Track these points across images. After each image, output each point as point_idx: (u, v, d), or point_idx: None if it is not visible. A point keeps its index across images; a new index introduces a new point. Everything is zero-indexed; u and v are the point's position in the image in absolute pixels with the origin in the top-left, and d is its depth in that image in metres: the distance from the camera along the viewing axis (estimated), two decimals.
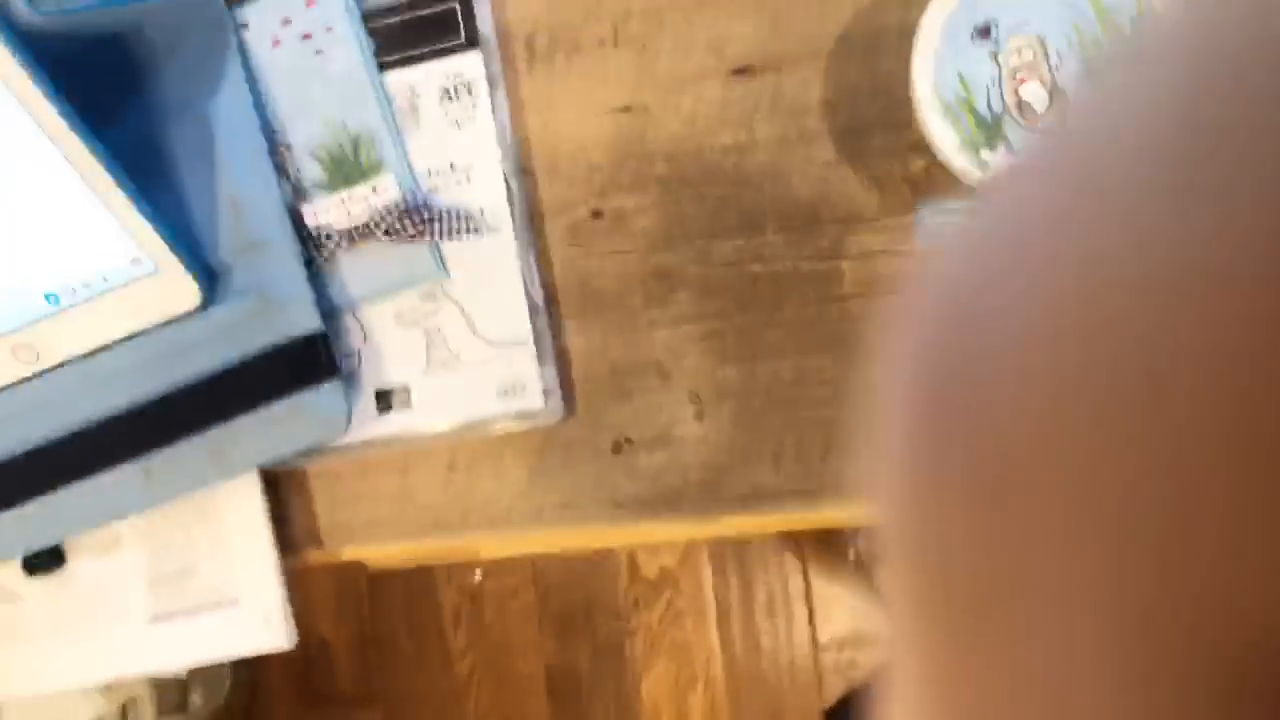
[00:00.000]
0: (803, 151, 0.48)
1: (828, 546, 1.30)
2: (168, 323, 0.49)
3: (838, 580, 1.30)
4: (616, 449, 0.50)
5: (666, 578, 1.35)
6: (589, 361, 0.50)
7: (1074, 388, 0.10)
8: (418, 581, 1.43)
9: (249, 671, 1.36)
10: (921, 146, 0.45)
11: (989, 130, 0.40)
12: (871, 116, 0.47)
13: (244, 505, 0.50)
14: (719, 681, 1.33)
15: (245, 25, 0.51)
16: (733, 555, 1.33)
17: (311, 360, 0.48)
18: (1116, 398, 0.10)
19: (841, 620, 1.30)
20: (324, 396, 0.48)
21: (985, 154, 0.40)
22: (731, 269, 0.48)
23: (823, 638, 1.31)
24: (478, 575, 1.40)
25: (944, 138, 0.41)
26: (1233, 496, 0.09)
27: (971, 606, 0.11)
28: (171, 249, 0.47)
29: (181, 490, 0.50)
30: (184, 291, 0.49)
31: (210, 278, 0.50)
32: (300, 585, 0.52)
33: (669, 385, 0.49)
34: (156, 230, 0.47)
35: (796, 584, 1.32)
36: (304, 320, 0.48)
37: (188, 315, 0.49)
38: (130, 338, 0.50)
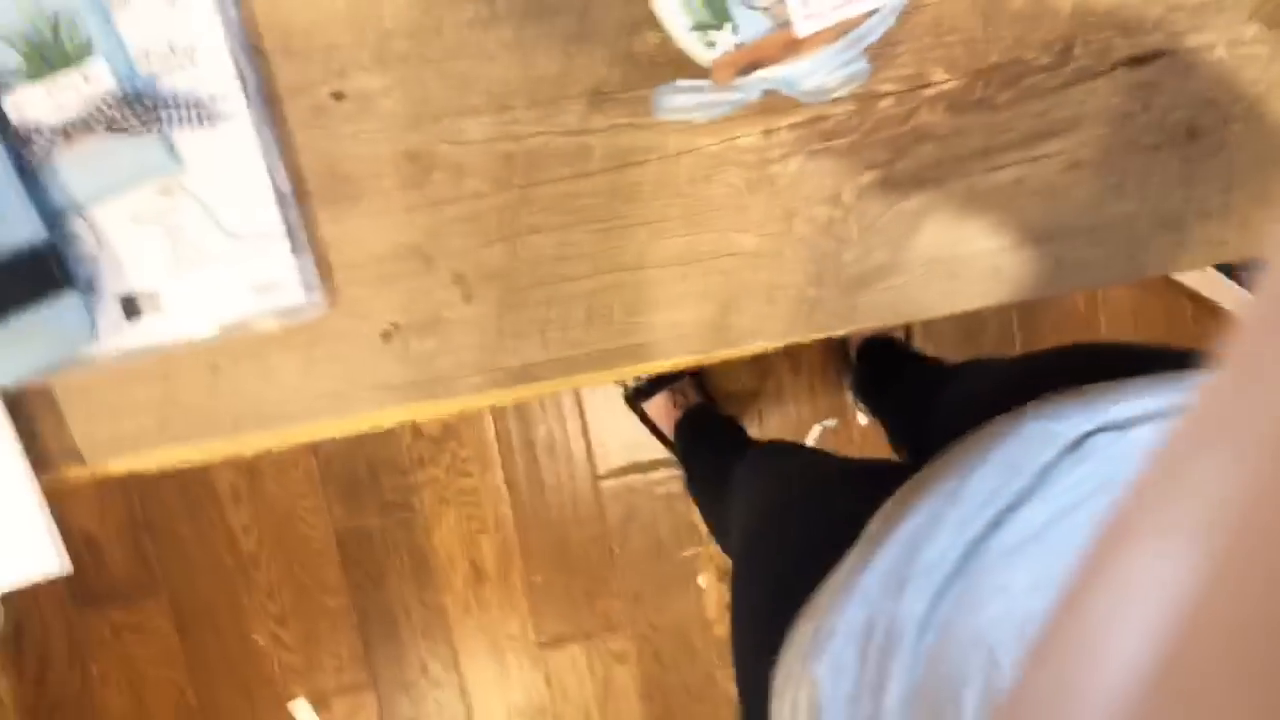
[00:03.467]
0: (546, 25, 0.48)
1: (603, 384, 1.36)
2: None
3: (612, 414, 1.38)
4: (386, 337, 0.50)
5: (449, 431, 1.37)
6: (347, 250, 0.50)
7: None
8: None
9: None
10: (655, 22, 0.47)
11: (715, 10, 0.42)
12: None
13: None
14: (508, 522, 1.40)
15: None
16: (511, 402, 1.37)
17: (42, 272, 0.45)
18: None
19: (617, 452, 1.39)
20: (63, 310, 0.45)
21: (713, 35, 0.43)
22: (483, 147, 0.49)
23: (601, 469, 1.39)
24: None
25: (675, 19, 0.43)
26: None
27: None
28: None
29: None
30: None
31: None
32: (55, 494, 0.50)
33: (432, 269, 0.50)
34: None
35: (574, 423, 1.38)
36: (25, 230, 0.45)
37: None
38: None
